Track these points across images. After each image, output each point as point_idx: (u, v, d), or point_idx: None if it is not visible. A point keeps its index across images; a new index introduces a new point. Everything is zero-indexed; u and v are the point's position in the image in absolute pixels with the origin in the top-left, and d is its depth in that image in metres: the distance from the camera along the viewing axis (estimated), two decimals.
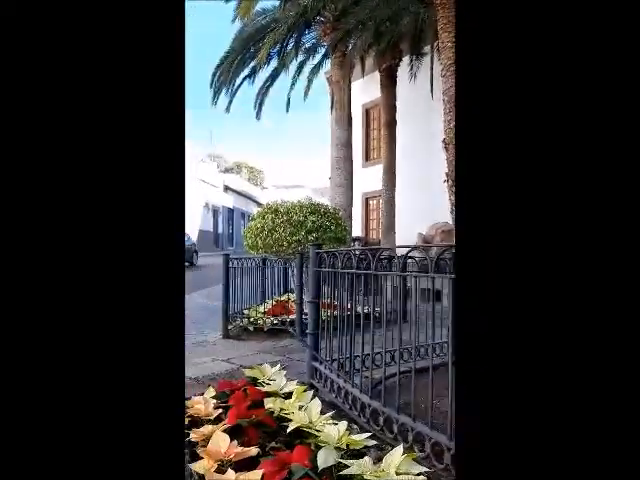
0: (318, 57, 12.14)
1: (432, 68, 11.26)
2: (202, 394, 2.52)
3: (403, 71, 11.70)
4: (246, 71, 11.73)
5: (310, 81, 11.63)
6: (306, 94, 12.32)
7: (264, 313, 5.29)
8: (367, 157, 14.19)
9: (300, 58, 11.79)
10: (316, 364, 2.93)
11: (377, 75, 12.50)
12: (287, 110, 13.34)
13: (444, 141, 8.19)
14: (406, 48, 11.27)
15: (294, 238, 5.05)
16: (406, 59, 11.67)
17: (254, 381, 2.77)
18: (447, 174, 8.29)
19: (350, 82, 11.07)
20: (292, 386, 2.61)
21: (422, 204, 11.36)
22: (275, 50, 10.23)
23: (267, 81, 12.37)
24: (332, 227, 5.26)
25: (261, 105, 12.62)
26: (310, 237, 5.07)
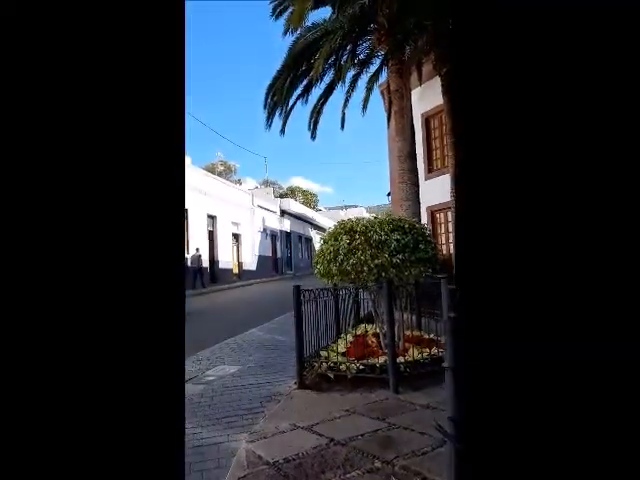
0: (373, 68, 11.35)
1: None
2: None
3: None
4: (299, 90, 11.08)
5: (369, 90, 10.76)
6: (364, 106, 11.48)
7: (344, 354, 4.32)
8: (430, 169, 13.05)
9: (353, 71, 11.03)
10: None
11: (436, 82, 11.48)
12: (342, 127, 12.54)
13: None
14: None
15: (376, 262, 4.07)
16: None
17: None
18: None
19: (411, 88, 10.11)
20: None
21: None
22: (330, 62, 9.50)
23: (320, 98, 11.66)
24: (420, 246, 4.24)
25: (316, 124, 11.89)
26: (395, 260, 4.08)
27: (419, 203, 10.04)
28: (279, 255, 27.61)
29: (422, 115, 13.46)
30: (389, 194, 17.40)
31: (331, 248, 4.30)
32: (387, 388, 3.68)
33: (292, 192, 45.54)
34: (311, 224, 34.42)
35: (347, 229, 4.35)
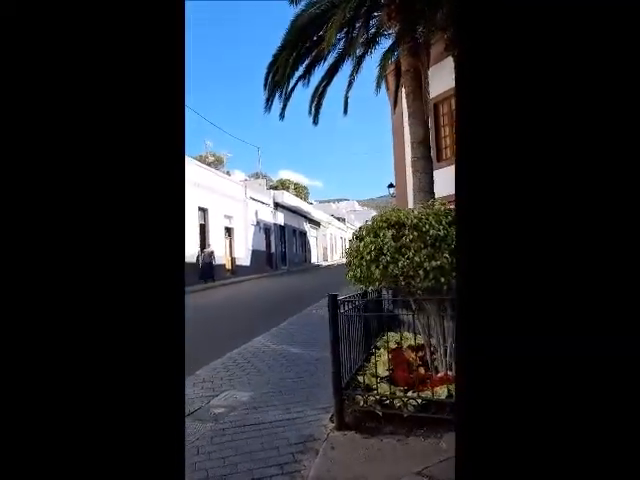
0: (379, 48, 10.37)
1: None
2: None
3: None
4: (301, 70, 10.08)
5: (382, 68, 9.76)
6: (379, 85, 10.49)
7: (388, 379, 3.39)
8: (439, 157, 12.14)
9: (358, 52, 10.04)
10: None
11: (446, 64, 10.55)
12: (345, 112, 11.57)
13: None
14: None
15: (433, 263, 3.14)
16: None
17: None
18: None
19: (427, 67, 9.16)
20: None
21: None
22: (338, 37, 8.50)
23: (323, 80, 10.66)
24: None
25: (318, 108, 10.89)
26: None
27: (434, 194, 9.13)
28: (273, 250, 26.56)
29: (430, 100, 12.54)
30: (391, 185, 16.48)
31: (372, 246, 3.35)
32: None
33: (283, 185, 44.40)
34: (305, 217, 33.35)
35: (392, 222, 3.41)
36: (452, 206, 3.60)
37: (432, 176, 9.18)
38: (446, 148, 12.26)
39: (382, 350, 4.35)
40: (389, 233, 3.32)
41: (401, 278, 3.28)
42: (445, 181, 10.67)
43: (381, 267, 3.29)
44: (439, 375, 3.34)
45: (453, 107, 11.95)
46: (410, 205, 10.06)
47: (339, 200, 52.71)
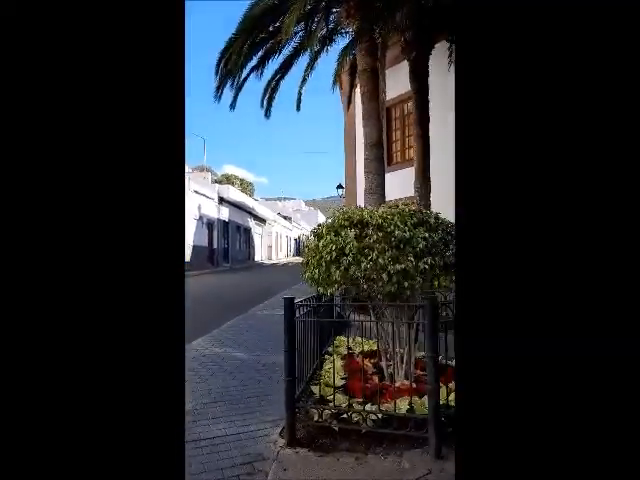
0: (337, 48, 10.19)
1: None
2: None
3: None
4: (254, 61, 9.69)
5: (340, 65, 9.55)
6: (335, 83, 10.28)
7: (343, 389, 3.15)
8: (389, 161, 12.15)
9: (316, 47, 9.79)
10: None
11: (399, 69, 10.59)
12: (298, 108, 11.33)
13: None
14: (443, 31, 9.36)
15: (398, 267, 2.93)
16: (438, 46, 9.77)
17: None
18: None
19: (384, 66, 9.08)
20: None
21: None
22: (295, 30, 8.20)
23: (277, 73, 10.33)
24: (451, 246, 3.17)
25: (271, 101, 10.55)
26: (422, 265, 2.97)
27: (384, 197, 9.07)
28: (215, 246, 25.72)
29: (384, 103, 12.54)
30: (340, 186, 16.40)
31: (332, 246, 3.09)
32: (419, 446, 2.57)
33: (228, 180, 43.30)
34: (250, 214, 32.64)
35: (355, 221, 3.17)
36: (414, 207, 3.43)
37: (384, 178, 9.11)
38: (397, 152, 12.31)
39: (334, 356, 4.11)
40: (352, 232, 3.09)
41: (363, 281, 3.05)
42: (395, 184, 10.67)
43: (342, 269, 3.04)
44: (397, 385, 3.14)
45: (405, 112, 12.03)
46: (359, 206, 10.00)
47: (285, 198, 52.28)
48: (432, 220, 3.21)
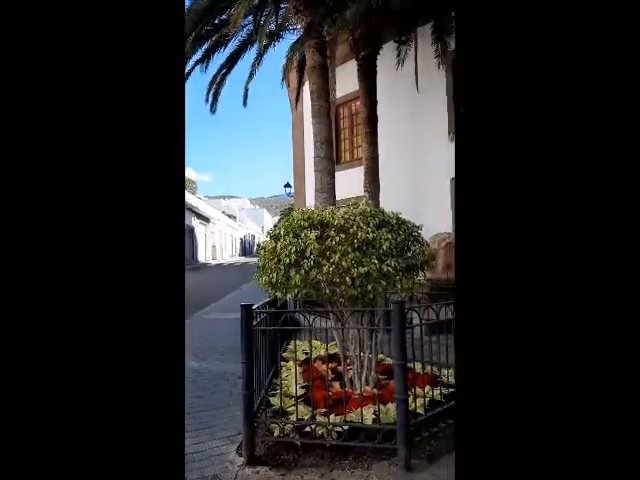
0: (284, 43, 9.99)
1: (416, 55, 9.52)
2: None
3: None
4: (199, 53, 9.29)
5: (289, 60, 9.33)
6: (284, 79, 10.05)
7: (304, 399, 2.99)
8: (338, 160, 12.10)
9: (264, 42, 9.54)
10: None
11: (347, 67, 10.57)
12: (245, 104, 11.04)
13: None
14: (391, 29, 9.42)
15: (361, 269, 2.81)
16: (386, 47, 9.84)
17: None
18: None
19: (334, 63, 8.99)
20: None
21: (417, 213, 9.48)
22: (242, 23, 7.91)
23: (223, 68, 9.98)
24: (412, 247, 3.09)
25: (216, 95, 10.18)
26: (385, 267, 2.86)
27: (335, 196, 9.00)
28: None
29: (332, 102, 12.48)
30: (288, 185, 16.19)
31: (291, 248, 2.92)
32: (386, 458, 2.46)
33: None
34: (193, 212, 31.61)
35: (315, 222, 3.01)
36: (376, 208, 3.33)
37: (334, 177, 9.04)
38: (345, 151, 12.29)
39: (292, 363, 3.94)
40: (313, 234, 2.92)
41: (325, 285, 2.90)
42: (344, 184, 10.64)
43: (302, 272, 2.88)
44: (360, 392, 3.02)
45: (353, 111, 12.03)
46: (309, 205, 9.82)
47: (230, 197, 51.22)
48: (394, 221, 3.12)
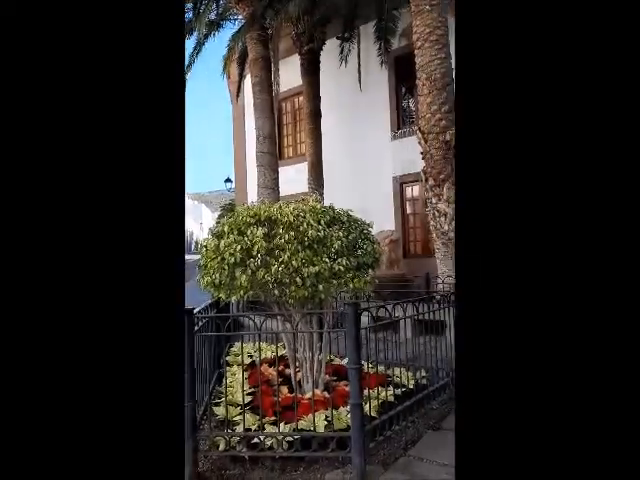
0: (225, 34, 9.61)
1: (359, 53, 9.53)
2: None
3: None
4: None
5: (230, 50, 8.98)
6: (224, 70, 9.67)
7: (250, 407, 2.81)
8: (281, 155, 11.89)
9: (204, 30, 9.13)
10: None
11: (291, 62, 10.40)
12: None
13: (421, 131, 6.41)
14: (334, 26, 9.36)
15: (312, 269, 2.67)
16: (330, 42, 9.78)
17: None
18: (425, 171, 6.52)
19: (278, 56, 8.78)
20: None
21: (361, 210, 9.50)
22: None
23: None
24: (364, 246, 3.00)
25: None
26: (337, 266, 2.75)
27: (279, 192, 8.82)
28: None
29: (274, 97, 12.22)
30: (228, 180, 15.72)
31: (236, 246, 2.72)
32: (340, 466, 2.34)
33: None
34: None
35: (262, 218, 2.83)
36: (326, 205, 3.21)
37: (277, 172, 8.86)
38: (288, 147, 12.10)
39: (235, 367, 3.74)
40: (260, 231, 2.74)
41: (273, 286, 2.73)
42: (287, 180, 10.46)
43: (249, 272, 2.69)
44: (307, 396, 2.89)
45: (297, 106, 11.87)
46: (251, 201, 9.54)
47: None
48: (345, 218, 3.01)
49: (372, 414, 2.61)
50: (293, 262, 2.64)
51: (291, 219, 2.73)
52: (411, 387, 3.14)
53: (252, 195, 10.61)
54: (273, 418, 2.58)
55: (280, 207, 2.86)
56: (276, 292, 2.73)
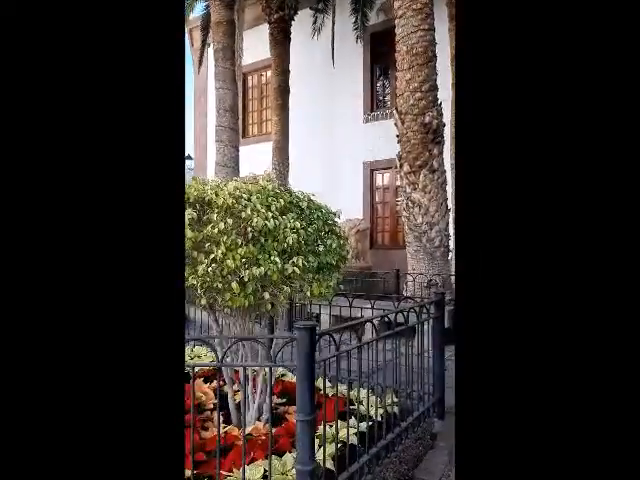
0: None
1: (334, 27, 8.72)
2: None
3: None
4: None
5: (189, 6, 7.98)
6: (188, 31, 8.64)
7: None
8: (244, 133, 11.00)
9: None
10: None
11: (260, 31, 9.51)
12: None
13: (398, 111, 5.74)
14: None
15: (256, 271, 1.95)
16: (302, 13, 8.94)
17: None
18: (400, 156, 5.87)
19: (242, 22, 7.89)
20: None
21: (328, 196, 8.79)
22: None
23: None
24: (329, 242, 2.30)
25: None
26: (290, 267, 2.04)
27: (239, 171, 8.00)
28: None
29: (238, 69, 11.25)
30: (189, 157, 14.65)
31: None
32: None
33: None
34: None
35: (190, 199, 2.07)
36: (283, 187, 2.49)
37: (238, 150, 8.03)
38: (253, 124, 11.22)
39: None
40: (186, 216, 2.00)
41: (200, 292, 1.99)
42: (250, 160, 9.60)
43: None
44: (249, 429, 2.20)
45: (263, 81, 10.98)
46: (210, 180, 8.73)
47: None
48: (304, 204, 2.29)
49: (327, 465, 1.94)
50: (228, 261, 1.91)
51: (229, 202, 1.99)
52: (379, 419, 2.49)
53: (211, 173, 9.73)
54: (191, 472, 1.86)
55: (217, 185, 2.11)
56: (203, 301, 1.99)
